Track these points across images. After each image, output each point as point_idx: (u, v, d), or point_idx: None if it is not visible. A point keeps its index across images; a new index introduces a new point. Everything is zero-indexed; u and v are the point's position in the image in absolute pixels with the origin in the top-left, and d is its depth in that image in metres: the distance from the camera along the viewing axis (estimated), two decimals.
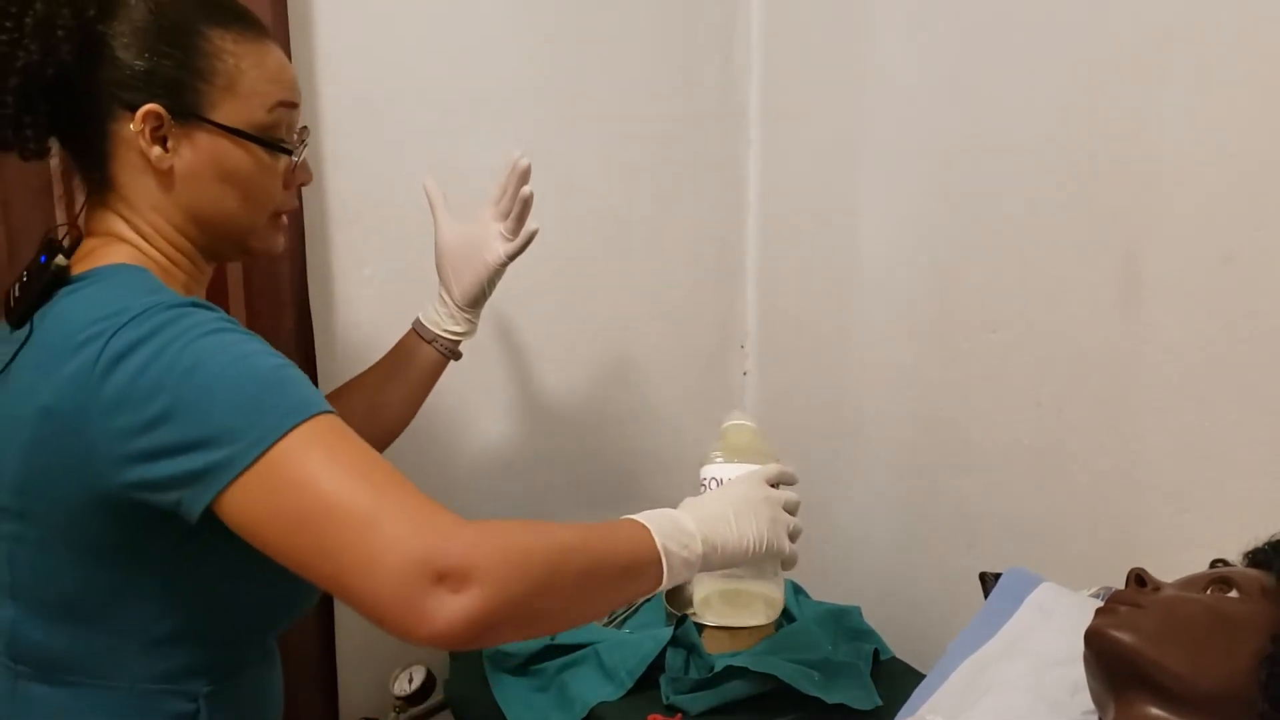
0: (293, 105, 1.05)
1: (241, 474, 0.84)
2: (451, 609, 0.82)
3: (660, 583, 0.98)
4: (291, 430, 0.85)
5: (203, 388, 0.86)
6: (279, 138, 1.04)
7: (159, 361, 0.86)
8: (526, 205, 1.30)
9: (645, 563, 0.96)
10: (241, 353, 0.90)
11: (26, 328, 0.94)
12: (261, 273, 1.46)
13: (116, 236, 1.01)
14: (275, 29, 1.38)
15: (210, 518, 0.87)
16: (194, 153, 0.99)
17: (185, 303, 0.92)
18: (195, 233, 1.03)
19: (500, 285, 1.37)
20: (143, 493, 0.88)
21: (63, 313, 0.93)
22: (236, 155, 1.01)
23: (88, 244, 1.01)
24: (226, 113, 1.00)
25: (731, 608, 1.21)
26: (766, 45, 1.83)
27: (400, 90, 1.57)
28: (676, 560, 0.98)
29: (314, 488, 0.84)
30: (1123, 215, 1.25)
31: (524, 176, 1.30)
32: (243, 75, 1.00)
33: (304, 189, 1.19)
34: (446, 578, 0.82)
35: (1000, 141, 1.40)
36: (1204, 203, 1.17)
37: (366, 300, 1.59)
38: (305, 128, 1.10)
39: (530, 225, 1.32)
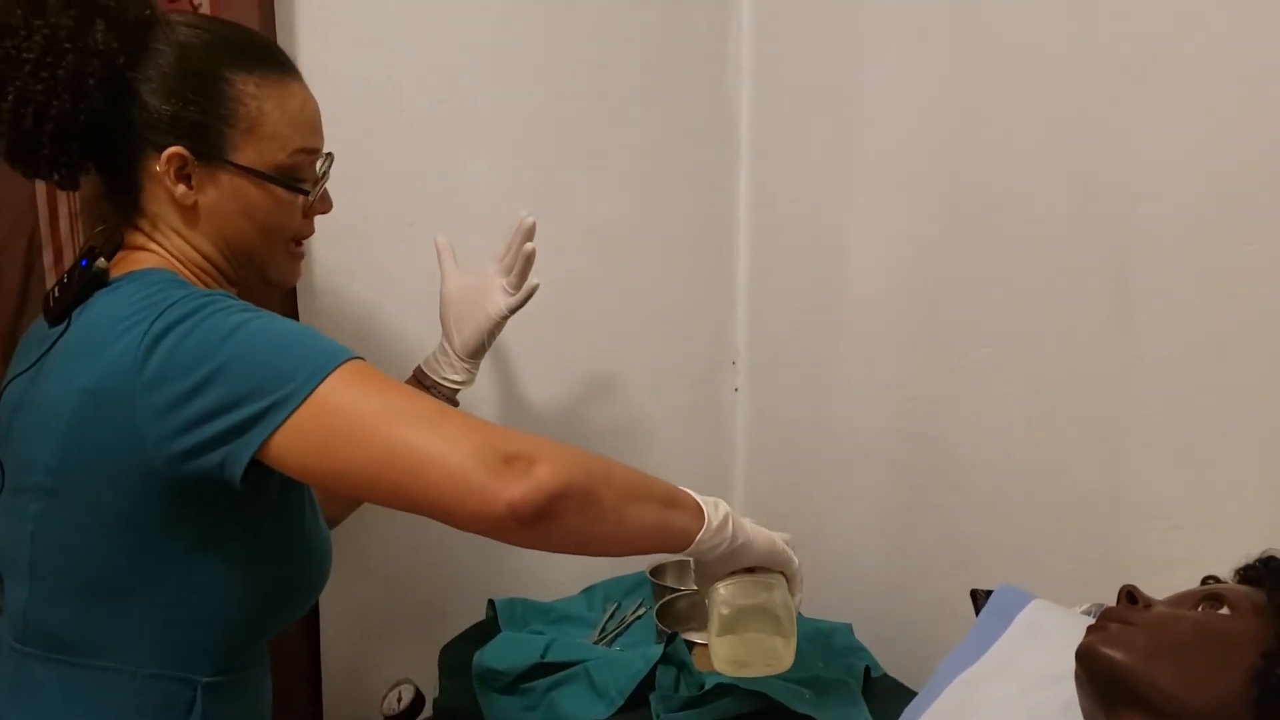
0: (313, 151, 1.10)
1: (291, 414, 0.90)
2: (525, 479, 0.89)
3: (701, 525, 1.06)
4: (336, 369, 0.92)
5: (242, 348, 0.92)
6: (299, 177, 1.09)
7: (196, 334, 0.92)
8: (529, 261, 1.34)
9: (685, 502, 1.06)
10: (272, 320, 0.97)
11: (64, 323, 1.00)
12: (251, 288, 1.46)
13: (147, 251, 1.06)
14: None
15: (254, 477, 0.93)
16: (217, 190, 1.05)
17: (217, 293, 1.00)
18: (219, 259, 1.08)
19: None
20: (188, 461, 0.93)
21: (103, 307, 0.99)
22: (256, 194, 1.06)
23: (119, 256, 1.06)
24: (248, 155, 1.04)
25: (748, 651, 1.20)
26: (757, 64, 1.83)
27: (389, 108, 1.57)
28: (712, 509, 1.08)
29: (375, 405, 0.92)
30: (1112, 232, 1.25)
31: (528, 234, 1.34)
32: (265, 118, 1.04)
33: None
34: (514, 459, 0.90)
35: (990, 158, 1.41)
36: (1194, 219, 1.17)
37: (354, 316, 1.58)
38: (330, 155, 1.14)
39: (531, 281, 1.35)
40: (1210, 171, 1.15)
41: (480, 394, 1.71)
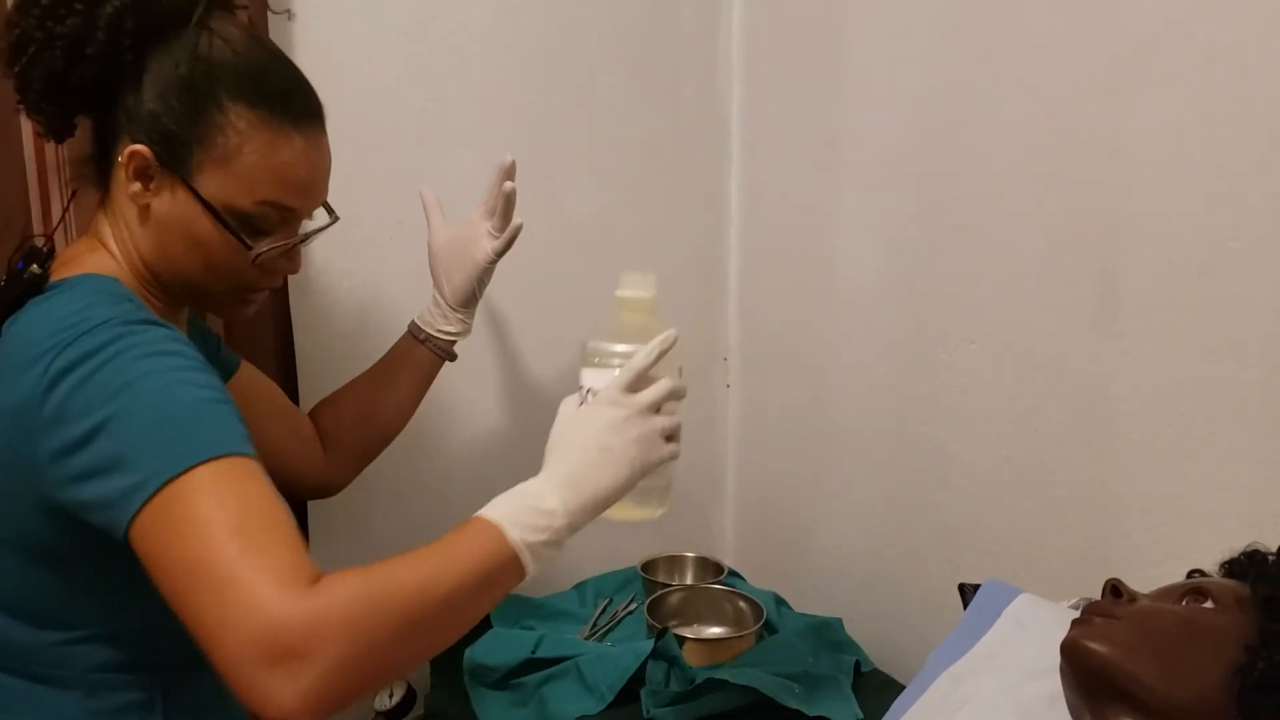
0: (286, 209, 1.03)
1: (146, 503, 0.84)
2: (293, 691, 0.80)
3: (523, 576, 0.94)
4: (193, 468, 0.85)
5: (127, 410, 0.87)
6: (257, 228, 1.02)
7: (93, 381, 0.87)
8: (510, 200, 1.33)
9: (502, 567, 0.93)
10: (174, 380, 0.89)
11: None
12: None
13: (100, 243, 1.03)
14: None
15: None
16: (171, 204, 1.00)
17: (139, 319, 0.93)
18: (160, 270, 1.03)
19: (483, 299, 1.37)
20: (77, 512, 0.89)
21: (28, 323, 0.94)
22: (205, 226, 1.01)
23: (77, 245, 1.04)
24: (209, 184, 0.99)
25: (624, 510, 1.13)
26: (747, 61, 1.84)
27: (382, 105, 1.57)
28: (539, 546, 0.94)
29: (191, 537, 0.84)
30: (1098, 227, 1.26)
31: (508, 173, 1.33)
32: (241, 157, 0.99)
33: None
34: (286, 659, 0.80)
35: (977, 156, 1.41)
36: (1179, 215, 1.17)
37: (348, 313, 1.59)
38: (335, 218, 1.13)
39: (515, 221, 1.34)
40: (1195, 168, 1.15)
41: (473, 390, 1.71)
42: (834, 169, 1.66)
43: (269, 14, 1.39)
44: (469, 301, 1.38)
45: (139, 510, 0.84)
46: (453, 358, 1.40)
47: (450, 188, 1.61)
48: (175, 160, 0.99)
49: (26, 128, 1.31)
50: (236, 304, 1.09)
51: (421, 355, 1.38)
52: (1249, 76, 1.10)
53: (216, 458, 0.86)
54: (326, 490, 1.42)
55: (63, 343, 0.89)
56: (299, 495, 1.41)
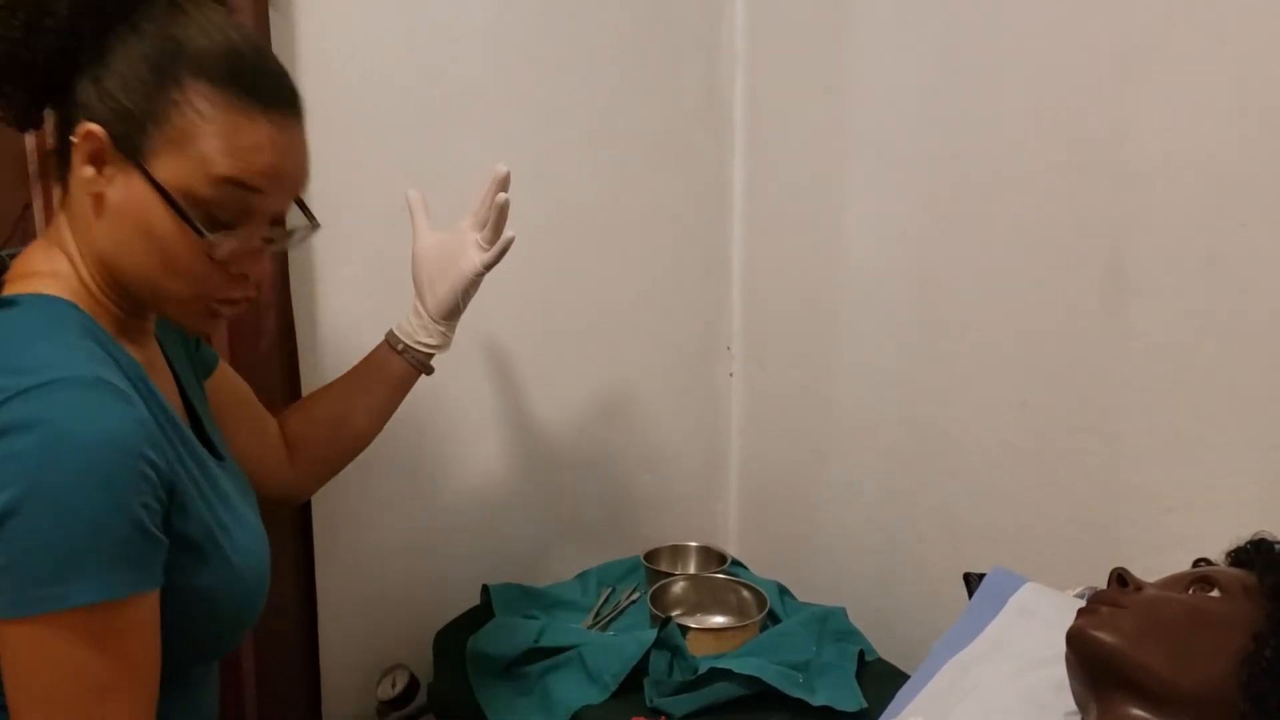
0: (248, 189, 0.93)
1: (20, 619, 0.81)
2: None
3: None
4: (69, 610, 0.81)
5: (36, 510, 0.80)
6: (218, 218, 0.93)
7: (22, 459, 0.80)
8: (502, 213, 1.28)
9: None
10: (95, 489, 0.82)
11: None
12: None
13: (58, 245, 0.96)
14: (256, 31, 1.37)
15: None
16: (126, 191, 0.91)
17: (89, 381, 0.84)
18: (119, 270, 0.95)
19: (485, 290, 1.36)
20: None
21: None
22: (160, 215, 0.91)
23: (35, 249, 0.96)
24: (165, 167, 0.90)
25: None
26: (750, 50, 1.83)
27: (383, 93, 1.56)
28: None
29: (53, 677, 0.83)
30: (1106, 215, 1.25)
31: (501, 184, 1.28)
32: (199, 137, 0.90)
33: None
34: None
35: (983, 142, 1.40)
36: (1188, 202, 1.17)
37: (348, 301, 1.58)
38: (314, 225, 1.05)
39: (507, 234, 1.29)
40: (1203, 154, 1.15)
41: (472, 384, 1.71)
42: (837, 157, 1.65)
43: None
44: (451, 314, 1.32)
45: (9, 619, 0.81)
46: (429, 371, 1.34)
47: (451, 177, 1.60)
48: (129, 142, 0.90)
49: None
50: (202, 315, 0.99)
51: (398, 366, 1.32)
52: (1258, 61, 1.09)
53: (110, 600, 0.83)
54: (289, 499, 1.36)
55: (3, 396, 0.82)
56: (261, 502, 1.38)
